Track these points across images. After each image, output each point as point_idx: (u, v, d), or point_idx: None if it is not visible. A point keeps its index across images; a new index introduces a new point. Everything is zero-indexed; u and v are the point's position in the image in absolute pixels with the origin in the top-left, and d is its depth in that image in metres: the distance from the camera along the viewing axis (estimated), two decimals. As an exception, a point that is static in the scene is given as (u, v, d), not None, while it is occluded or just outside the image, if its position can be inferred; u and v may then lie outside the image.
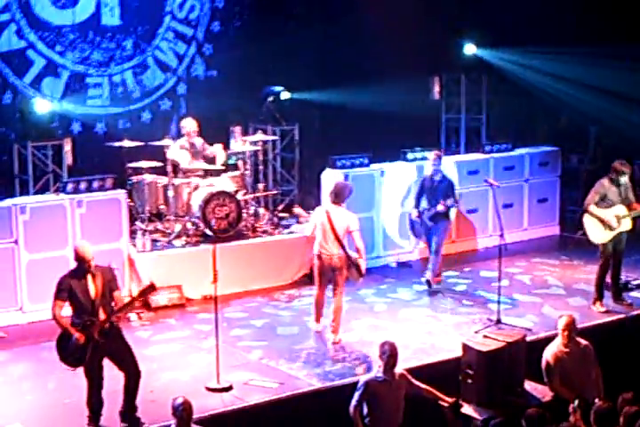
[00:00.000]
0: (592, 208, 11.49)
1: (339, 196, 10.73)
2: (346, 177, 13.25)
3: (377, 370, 8.75)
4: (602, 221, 11.45)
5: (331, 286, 10.79)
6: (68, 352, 8.34)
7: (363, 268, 10.62)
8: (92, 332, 8.30)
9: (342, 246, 10.58)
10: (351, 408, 8.63)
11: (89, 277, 8.40)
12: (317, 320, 11.05)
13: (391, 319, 11.45)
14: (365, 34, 15.20)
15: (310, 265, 12.71)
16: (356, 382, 8.85)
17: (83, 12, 14.04)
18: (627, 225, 11.54)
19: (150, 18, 14.69)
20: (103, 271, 8.49)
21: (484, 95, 16.69)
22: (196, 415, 8.16)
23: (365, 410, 8.65)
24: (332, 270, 10.62)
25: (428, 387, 9.05)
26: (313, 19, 15.46)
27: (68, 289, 8.35)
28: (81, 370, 8.48)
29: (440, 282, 12.46)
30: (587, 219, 11.58)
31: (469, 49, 16.25)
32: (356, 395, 8.62)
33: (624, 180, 11.52)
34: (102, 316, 8.35)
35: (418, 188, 12.60)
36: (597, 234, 11.54)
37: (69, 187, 11.75)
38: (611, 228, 11.46)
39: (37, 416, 8.93)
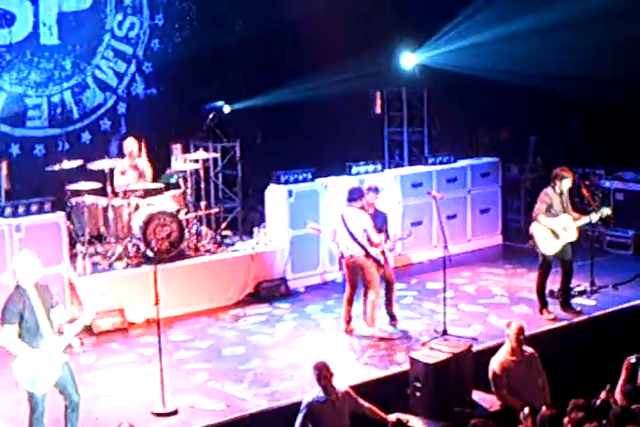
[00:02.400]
0: (541, 218, 11.55)
1: (349, 198, 11.13)
2: (289, 193, 13.22)
3: (318, 390, 8.70)
4: (551, 230, 11.51)
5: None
6: (32, 376, 8.10)
7: (381, 261, 11.09)
8: (55, 350, 8.13)
9: (361, 246, 10.94)
10: None
11: (32, 293, 8.18)
12: (347, 322, 11.30)
13: (338, 335, 11.41)
14: (307, 50, 15.20)
15: (255, 284, 12.82)
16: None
17: (20, 31, 13.88)
18: (573, 235, 11.61)
19: (89, 37, 14.56)
20: (42, 286, 8.29)
21: (425, 108, 16.77)
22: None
23: None
24: (357, 270, 11.05)
25: (370, 406, 9.04)
26: (253, 35, 15.42)
27: (18, 311, 8.07)
28: (23, 396, 8.31)
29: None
30: (536, 229, 11.62)
31: (408, 60, 16.29)
32: (300, 416, 8.58)
33: (567, 185, 11.57)
34: (49, 334, 8.15)
35: None
36: (548, 244, 11.59)
37: (7, 211, 11.58)
38: (559, 237, 11.52)
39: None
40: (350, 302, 11.33)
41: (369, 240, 11.03)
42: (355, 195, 11.18)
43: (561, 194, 11.62)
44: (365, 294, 11.16)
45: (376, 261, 11.07)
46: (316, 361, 8.88)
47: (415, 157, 16.51)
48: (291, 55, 15.31)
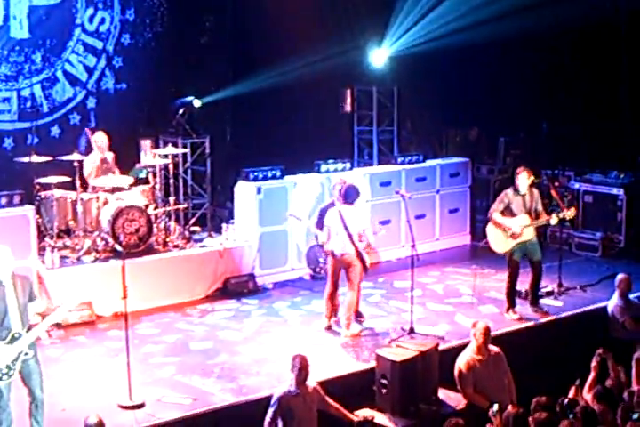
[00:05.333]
0: (495, 216, 11.64)
1: (347, 197, 11.15)
2: (258, 190, 13.23)
3: (289, 384, 8.74)
4: (504, 229, 11.58)
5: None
6: None
7: (367, 262, 11.18)
8: (22, 345, 8.09)
9: (355, 244, 11.00)
10: (265, 424, 8.60)
11: (6, 286, 8.15)
12: (328, 317, 11.33)
13: (306, 332, 11.45)
14: (277, 47, 15.23)
15: (223, 279, 12.82)
16: (270, 397, 8.83)
17: (-11, 25, 13.83)
18: (528, 235, 11.67)
19: (60, 31, 14.50)
20: (19, 279, 8.26)
21: (395, 107, 16.83)
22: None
23: (280, 425, 8.62)
24: (345, 268, 11.10)
25: (336, 405, 9.08)
26: (224, 31, 15.44)
27: None
28: None
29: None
30: (490, 228, 11.75)
31: (378, 57, 16.34)
32: (270, 411, 8.60)
33: (523, 184, 11.59)
34: (18, 328, 8.14)
35: (318, 216, 12.45)
36: (499, 243, 11.70)
37: (-24, 203, 11.54)
38: (512, 236, 11.59)
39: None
40: (332, 299, 11.35)
41: (360, 239, 11.10)
42: (352, 194, 11.22)
43: (523, 194, 11.66)
44: (347, 293, 11.21)
45: (363, 261, 11.13)
46: (295, 353, 8.96)
47: (384, 156, 16.57)
48: (261, 51, 15.34)
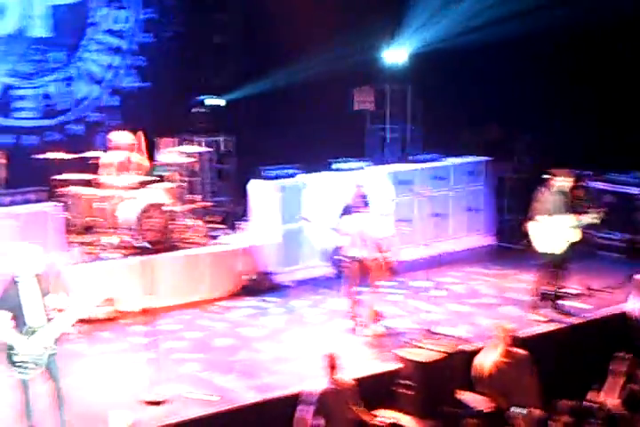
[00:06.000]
0: (540, 218, 11.57)
1: (366, 203, 11.21)
2: (278, 188, 13.26)
3: (324, 380, 8.76)
4: (551, 230, 11.52)
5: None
6: (18, 362, 8.11)
7: (387, 266, 11.20)
8: (44, 339, 8.14)
9: (374, 250, 11.03)
10: (300, 420, 8.60)
11: (27, 283, 8.21)
12: (348, 317, 11.36)
13: (325, 330, 11.44)
14: (294, 46, 15.25)
15: (244, 277, 12.84)
16: (296, 395, 8.84)
17: (9, 23, 13.89)
18: (575, 235, 11.63)
19: (78, 29, 14.62)
20: (44, 276, 8.32)
21: (409, 106, 16.79)
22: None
23: (314, 421, 8.63)
24: (364, 271, 11.07)
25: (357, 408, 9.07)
26: (243, 31, 15.47)
27: (4, 300, 8.10)
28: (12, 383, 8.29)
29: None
30: (533, 228, 11.65)
31: (391, 56, 16.32)
32: (305, 407, 8.60)
33: (561, 185, 11.59)
34: (40, 323, 8.19)
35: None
36: (544, 243, 11.58)
37: (3, 199, 11.59)
38: (557, 237, 11.56)
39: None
40: (352, 299, 11.35)
41: (380, 245, 11.13)
42: (364, 200, 11.26)
43: (557, 194, 11.63)
44: (367, 293, 11.24)
45: (383, 265, 11.14)
46: (327, 351, 9.02)
47: (400, 154, 16.53)
48: (279, 50, 15.36)
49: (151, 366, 9.35)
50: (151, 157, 13.59)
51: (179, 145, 13.96)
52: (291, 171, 13.55)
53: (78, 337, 10.87)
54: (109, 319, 11.59)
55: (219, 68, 15.36)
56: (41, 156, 12.80)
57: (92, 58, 14.77)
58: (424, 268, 12.69)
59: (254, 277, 12.95)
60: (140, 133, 13.15)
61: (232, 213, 14.35)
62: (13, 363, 8.14)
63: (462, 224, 15.12)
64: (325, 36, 15.28)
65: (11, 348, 8.12)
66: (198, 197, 13.80)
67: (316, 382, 8.95)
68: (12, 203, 11.62)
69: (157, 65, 15.08)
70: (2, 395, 9.12)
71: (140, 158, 13.13)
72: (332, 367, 8.74)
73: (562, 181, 11.61)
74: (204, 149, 14.17)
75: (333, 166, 13.98)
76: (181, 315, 11.96)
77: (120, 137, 13.06)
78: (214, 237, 13.43)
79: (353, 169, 13.98)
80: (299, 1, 15.40)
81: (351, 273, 11.29)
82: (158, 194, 12.81)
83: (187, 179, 13.61)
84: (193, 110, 14.79)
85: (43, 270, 8.34)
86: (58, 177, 12.58)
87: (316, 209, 13.46)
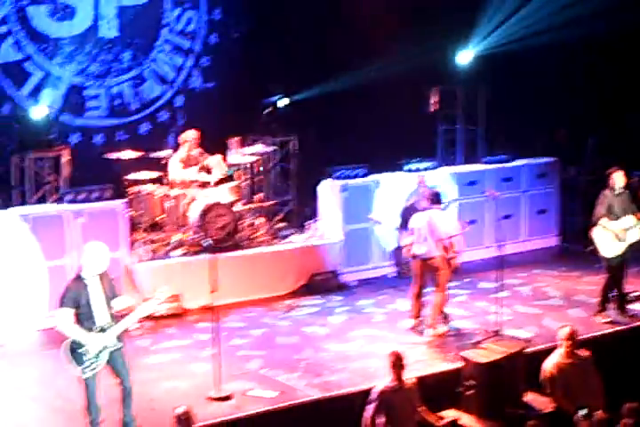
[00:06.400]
0: (603, 221, 11.41)
1: (435, 201, 11.13)
2: (344, 188, 13.27)
3: (389, 379, 8.73)
4: (614, 233, 11.36)
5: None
6: (82, 359, 8.23)
7: (454, 266, 11.17)
8: (108, 337, 8.25)
9: (443, 249, 10.99)
10: (366, 419, 8.58)
11: (93, 281, 8.33)
12: (414, 317, 11.33)
13: (389, 330, 11.41)
14: (363, 46, 15.23)
15: (308, 275, 12.86)
16: (358, 393, 8.82)
17: (80, 24, 14.08)
18: (635, 236, 11.46)
19: (148, 30, 14.73)
20: (107, 276, 8.43)
21: (480, 106, 16.68)
22: (195, 425, 8.11)
23: (380, 420, 8.60)
24: (431, 271, 11.07)
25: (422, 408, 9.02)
26: (310, 31, 15.49)
27: (73, 297, 8.24)
28: (77, 377, 8.39)
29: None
30: (598, 232, 11.46)
31: (464, 57, 16.23)
32: (371, 406, 8.57)
33: (619, 184, 11.42)
34: (105, 321, 8.30)
35: (401, 217, 12.42)
36: (609, 247, 11.41)
37: (69, 197, 11.75)
38: (621, 240, 11.38)
39: (38, 424, 8.95)
40: (418, 299, 11.33)
41: (450, 245, 11.07)
42: (440, 197, 11.24)
43: (620, 195, 11.49)
44: (433, 293, 11.21)
45: (450, 265, 11.11)
46: (392, 350, 8.99)
47: (470, 155, 16.42)
48: (347, 50, 15.31)
49: (215, 362, 9.38)
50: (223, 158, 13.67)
51: (245, 145, 14.02)
52: (359, 171, 13.55)
53: (143, 333, 10.99)
54: (175, 316, 11.71)
55: (287, 68, 15.36)
56: (111, 155, 12.95)
57: (163, 58, 14.89)
58: (491, 269, 12.55)
59: (319, 276, 12.96)
60: (198, 133, 13.20)
61: (297, 212, 14.38)
62: (78, 360, 8.24)
63: (530, 226, 14.97)
64: (396, 36, 15.24)
65: (77, 345, 8.23)
66: (263, 197, 13.83)
67: (380, 381, 8.91)
68: (77, 201, 11.74)
69: (224, 65, 15.15)
70: (66, 391, 9.30)
71: (215, 158, 13.18)
72: (396, 367, 8.68)
73: (615, 180, 11.43)
74: (269, 148, 14.21)
75: (405, 167, 13.93)
76: (246, 313, 12.02)
77: (190, 135, 13.15)
78: (279, 236, 13.47)
79: (423, 169, 13.93)
80: (369, 1, 15.37)
81: (417, 273, 11.26)
82: (225, 193, 12.89)
83: (252, 178, 13.66)
84: (261, 111, 14.80)
85: (107, 269, 8.42)
86: (128, 176, 12.72)
87: (384, 209, 13.45)
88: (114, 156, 12.91)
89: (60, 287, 8.58)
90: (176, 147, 13.44)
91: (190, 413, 7.96)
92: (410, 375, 9.43)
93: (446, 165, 15.05)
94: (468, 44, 16.23)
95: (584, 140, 16.19)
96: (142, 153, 13.01)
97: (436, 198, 11.20)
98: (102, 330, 8.25)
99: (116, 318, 8.35)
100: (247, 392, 9.52)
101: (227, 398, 9.33)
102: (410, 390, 8.77)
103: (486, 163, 14.72)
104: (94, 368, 8.25)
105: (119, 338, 8.35)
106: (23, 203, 12.66)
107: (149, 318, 11.35)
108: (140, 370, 9.05)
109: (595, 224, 11.51)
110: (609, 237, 11.40)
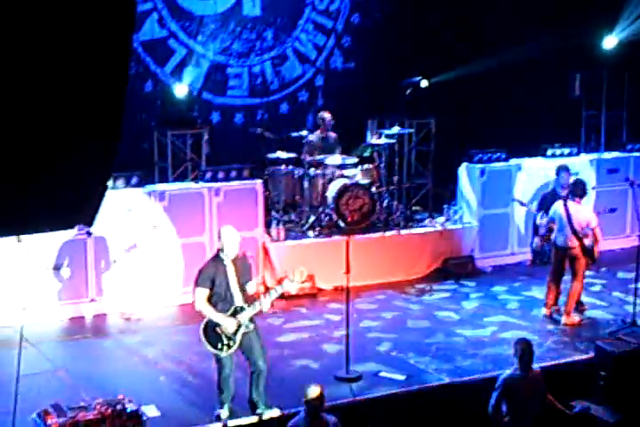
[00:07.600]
0: None
1: (575, 192, 11.01)
2: (482, 172, 13.14)
3: (514, 368, 8.64)
4: None
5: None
6: (217, 339, 8.42)
7: (596, 255, 11.06)
8: (243, 318, 8.40)
9: (579, 239, 10.88)
10: (490, 407, 8.52)
11: (229, 264, 8.48)
12: (547, 306, 11.27)
13: (524, 317, 11.30)
14: (506, 29, 14.99)
15: (442, 260, 12.80)
16: (485, 380, 8.75)
17: (224, 2, 14.17)
18: None
19: (291, 9, 14.76)
20: (240, 259, 8.57)
21: (625, 92, 16.25)
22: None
23: (505, 408, 8.53)
24: (569, 260, 11.00)
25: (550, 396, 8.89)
26: (452, 12, 15.31)
27: (210, 277, 8.41)
28: (213, 356, 8.57)
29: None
30: None
31: (610, 42, 15.83)
32: (495, 393, 8.50)
33: None
34: (240, 303, 8.44)
35: (539, 203, 12.22)
36: None
37: (208, 175, 11.94)
38: None
39: (170, 398, 9.12)
40: (554, 287, 11.21)
41: (594, 236, 10.94)
42: (581, 189, 11.05)
43: None
44: (571, 282, 11.07)
45: (589, 255, 10.97)
46: (519, 337, 8.87)
47: (613, 142, 16.03)
48: (489, 33, 15.11)
49: (346, 343, 9.44)
50: (357, 138, 13.69)
51: (383, 126, 13.98)
52: (499, 155, 13.39)
53: (274, 311, 11.12)
54: (308, 295, 11.82)
55: (428, 50, 15.21)
56: (251, 133, 13.09)
57: (305, 38, 14.93)
58: (630, 259, 12.26)
59: (453, 260, 12.89)
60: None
61: (433, 195, 14.28)
62: (213, 340, 8.41)
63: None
64: (542, 20, 14.95)
65: (213, 325, 8.39)
66: (400, 179, 13.79)
67: (509, 369, 8.82)
68: (215, 179, 11.92)
69: (366, 46, 15.10)
70: (197, 366, 9.51)
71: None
72: (524, 355, 8.56)
73: None
74: (408, 130, 14.14)
75: (546, 153, 13.70)
76: (378, 295, 12.06)
77: (325, 117, 13.20)
78: (415, 219, 13.43)
79: (564, 155, 13.67)
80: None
81: (556, 261, 11.12)
82: (362, 174, 12.90)
83: (389, 160, 13.63)
84: (402, 92, 14.70)
85: (240, 252, 8.55)
86: (268, 155, 12.85)
87: (524, 194, 13.26)
88: (259, 131, 13.04)
89: (197, 264, 8.78)
90: (314, 127, 13.52)
91: (321, 392, 8.03)
92: (542, 364, 9.37)
93: (589, 151, 14.74)
94: (613, 30, 15.81)
95: None
96: (281, 133, 13.12)
97: (578, 189, 11.01)
98: (236, 312, 8.40)
99: (249, 300, 8.49)
100: (377, 374, 9.55)
101: (356, 378, 9.39)
102: (535, 378, 8.64)
103: (629, 150, 14.31)
104: (229, 349, 8.42)
105: (252, 320, 8.49)
106: (164, 180, 12.90)
107: (282, 297, 11.52)
108: (271, 348, 9.17)
109: None
110: None
